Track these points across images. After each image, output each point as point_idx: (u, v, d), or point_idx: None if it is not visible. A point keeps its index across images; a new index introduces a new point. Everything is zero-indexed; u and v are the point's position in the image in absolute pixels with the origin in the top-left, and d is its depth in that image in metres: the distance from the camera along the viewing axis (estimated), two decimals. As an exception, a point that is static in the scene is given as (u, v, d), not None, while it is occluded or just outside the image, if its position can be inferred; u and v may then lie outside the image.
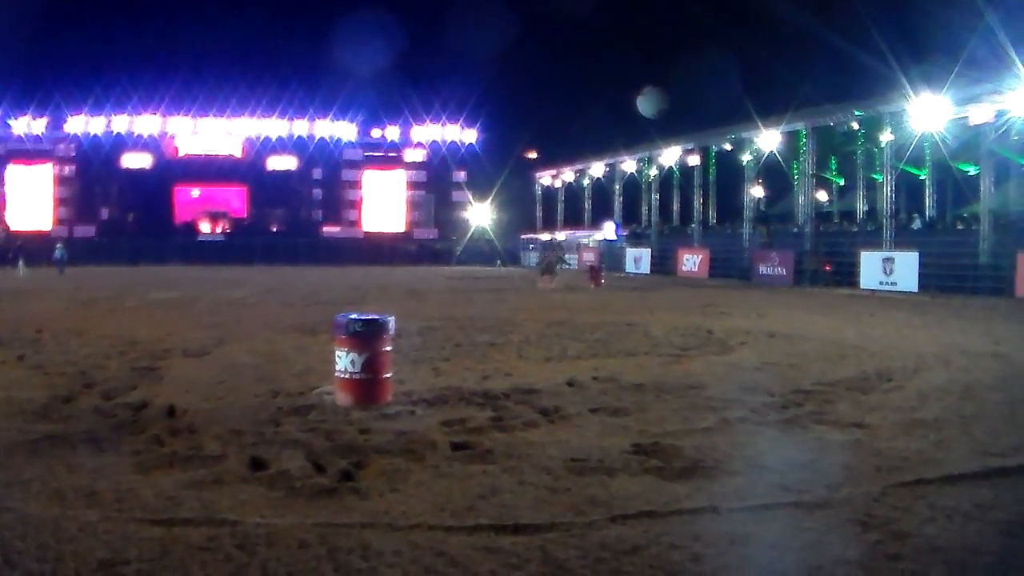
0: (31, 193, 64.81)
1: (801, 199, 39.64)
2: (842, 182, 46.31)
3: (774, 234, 40.69)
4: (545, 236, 35.18)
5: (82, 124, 64.97)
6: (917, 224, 35.12)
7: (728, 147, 43.31)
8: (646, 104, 38.95)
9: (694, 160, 45.43)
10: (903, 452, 7.14)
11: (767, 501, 5.90)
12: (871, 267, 30.75)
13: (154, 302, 25.10)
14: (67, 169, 65.64)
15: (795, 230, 39.79)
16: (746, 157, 41.74)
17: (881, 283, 29.75)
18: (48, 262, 43.85)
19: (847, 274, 31.97)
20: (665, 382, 10.59)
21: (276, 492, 6.11)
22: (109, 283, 34.57)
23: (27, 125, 64.35)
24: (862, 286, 30.38)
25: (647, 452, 7.09)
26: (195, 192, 68.49)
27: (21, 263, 42.51)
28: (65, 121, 64.70)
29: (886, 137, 33.44)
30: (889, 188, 33.48)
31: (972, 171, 35.33)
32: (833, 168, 45.57)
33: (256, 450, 7.17)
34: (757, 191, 42.46)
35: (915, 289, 28.37)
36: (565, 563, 4.80)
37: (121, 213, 68.18)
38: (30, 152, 64.88)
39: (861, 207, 41.83)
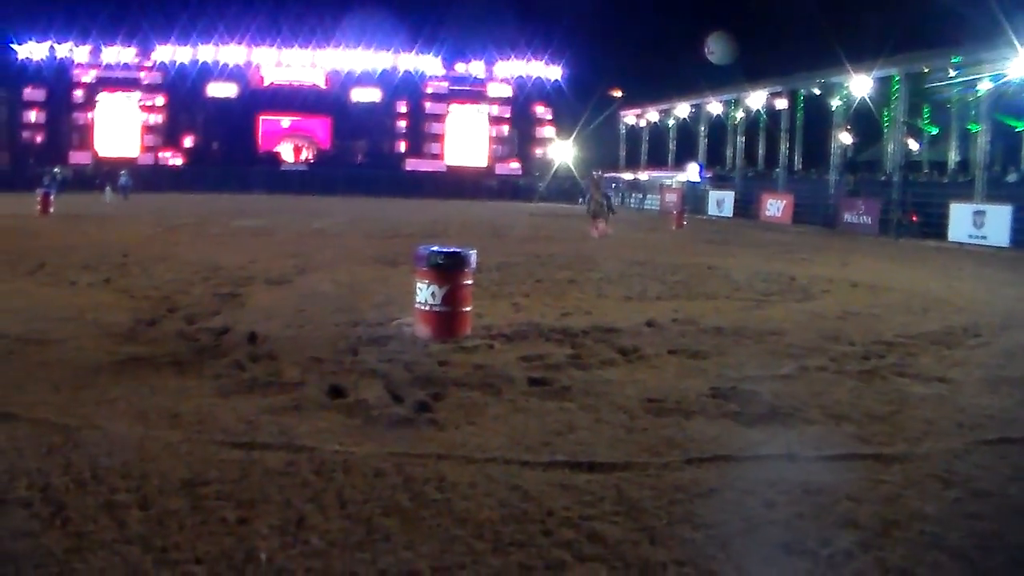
0: (119, 121, 66.08)
1: (891, 147, 38.71)
2: (935, 131, 45.03)
3: (861, 182, 39.82)
4: (595, 174, 32.28)
5: (169, 53, 65.95)
6: (1013, 177, 34.06)
7: (817, 92, 42.37)
8: (716, 54, 38.24)
9: (781, 104, 44.52)
10: (987, 409, 6.99)
11: (844, 451, 5.83)
12: (961, 219, 29.87)
13: (237, 230, 25.52)
14: (154, 98, 66.63)
15: (883, 179, 38.89)
16: (835, 102, 40.82)
17: (970, 236, 28.89)
18: (133, 188, 44.55)
19: (935, 226, 31.09)
20: (745, 327, 10.49)
21: (354, 420, 6.19)
22: (193, 210, 35.13)
23: (117, 54, 65.41)
24: (950, 239, 29.59)
25: (725, 396, 7.04)
26: (285, 122, 69.13)
27: (108, 189, 43.37)
28: (153, 50, 65.69)
29: (984, 86, 32.40)
30: (984, 139, 32.46)
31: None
32: (926, 116, 44.34)
33: (335, 378, 7.27)
34: (845, 137, 41.49)
35: (1007, 244, 27.47)
36: (639, 503, 4.81)
37: (206, 141, 69.17)
38: (119, 81, 66.09)
39: (953, 157, 40.74)
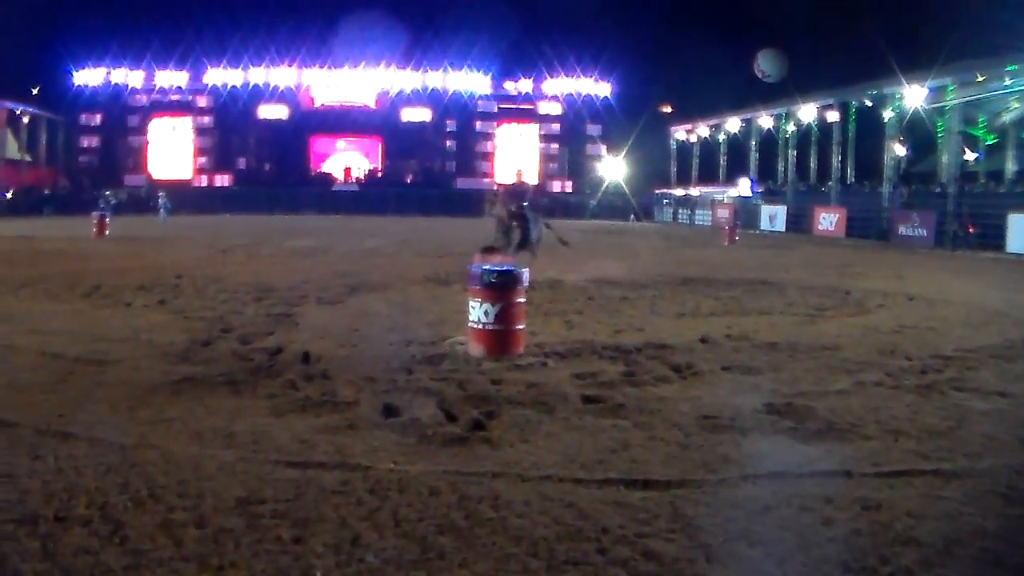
0: (172, 144, 67.04)
1: (945, 158, 38.19)
2: (992, 140, 44.31)
3: (915, 194, 39.31)
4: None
5: (221, 76, 66.68)
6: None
7: (868, 103, 41.95)
8: (771, 75, 37.96)
9: (833, 116, 44.17)
10: (1050, 423, 6.88)
11: (903, 467, 5.74)
12: (1020, 230, 29.28)
13: (289, 250, 25.70)
14: (206, 120, 67.53)
15: (938, 190, 38.37)
16: (887, 114, 40.40)
17: (1030, 247, 28.42)
18: (173, 210, 45.04)
19: (993, 237, 30.58)
20: (799, 342, 10.39)
21: (408, 439, 6.21)
22: (245, 231, 35.50)
23: (169, 78, 66.43)
24: (1009, 250, 29.07)
25: (780, 412, 6.99)
26: (337, 143, 69.69)
27: (162, 211, 43.97)
28: (204, 73, 66.49)
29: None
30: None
31: None
32: (981, 125, 43.66)
33: (388, 397, 7.30)
34: (898, 149, 41.01)
35: (1068, 255, 27.00)
36: (694, 520, 4.78)
37: (258, 163, 69.87)
38: (171, 104, 67.06)
39: (1011, 167, 40.07)
